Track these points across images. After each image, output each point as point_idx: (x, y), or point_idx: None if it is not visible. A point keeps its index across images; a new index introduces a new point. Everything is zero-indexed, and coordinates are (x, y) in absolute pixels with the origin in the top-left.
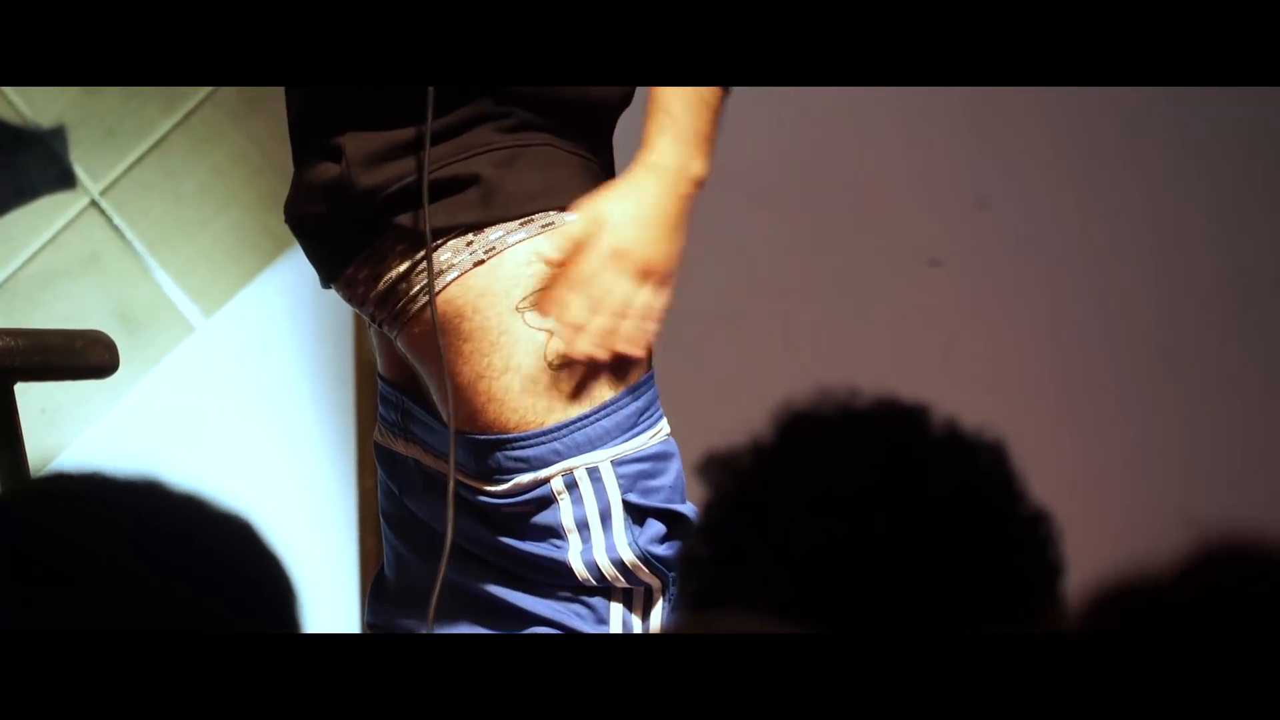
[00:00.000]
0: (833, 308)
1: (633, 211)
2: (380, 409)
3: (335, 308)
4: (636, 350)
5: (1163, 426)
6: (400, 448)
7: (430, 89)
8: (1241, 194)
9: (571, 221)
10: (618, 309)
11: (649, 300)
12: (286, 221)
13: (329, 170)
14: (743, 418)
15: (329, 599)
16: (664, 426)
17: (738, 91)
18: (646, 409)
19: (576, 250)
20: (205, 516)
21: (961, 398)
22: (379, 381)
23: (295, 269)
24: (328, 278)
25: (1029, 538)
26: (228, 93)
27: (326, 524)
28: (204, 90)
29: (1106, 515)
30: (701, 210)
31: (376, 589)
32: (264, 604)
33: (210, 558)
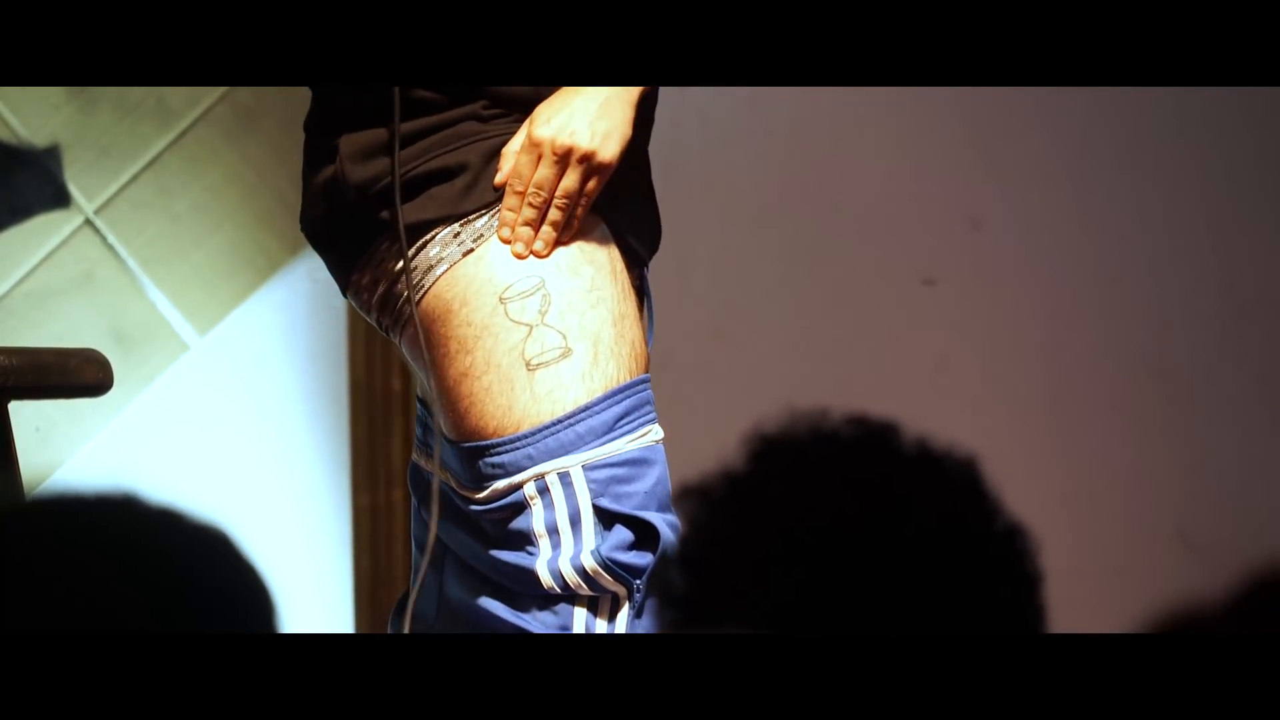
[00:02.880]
0: (827, 325)
1: (557, 106)
2: (417, 428)
3: (330, 326)
4: (554, 230)
5: (1158, 445)
6: (423, 463)
7: (395, 89)
8: (1237, 213)
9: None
10: (533, 192)
11: (569, 185)
12: (302, 231)
13: (328, 170)
14: (737, 436)
15: (322, 617)
16: (651, 432)
17: (733, 107)
18: (629, 414)
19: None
20: (181, 528)
21: (956, 416)
22: (418, 404)
23: (289, 287)
24: (341, 286)
25: (1006, 552)
26: (222, 112)
27: (320, 543)
28: (198, 109)
29: (1101, 533)
30: (697, 227)
31: (399, 608)
32: (240, 613)
33: (185, 569)
